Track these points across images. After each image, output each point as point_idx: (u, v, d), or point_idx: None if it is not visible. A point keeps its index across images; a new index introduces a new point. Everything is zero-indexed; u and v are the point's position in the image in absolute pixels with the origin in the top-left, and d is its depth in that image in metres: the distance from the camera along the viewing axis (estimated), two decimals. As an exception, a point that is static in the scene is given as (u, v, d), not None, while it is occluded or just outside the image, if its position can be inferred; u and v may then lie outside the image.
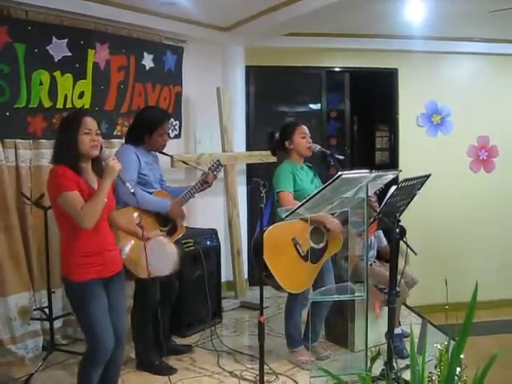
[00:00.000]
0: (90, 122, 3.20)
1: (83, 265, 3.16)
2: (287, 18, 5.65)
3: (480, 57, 7.45)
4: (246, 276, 6.60)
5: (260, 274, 3.71)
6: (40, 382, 4.19)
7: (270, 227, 4.12)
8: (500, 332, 6.49)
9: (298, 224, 4.15)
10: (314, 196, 3.14)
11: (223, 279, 5.93)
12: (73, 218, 3.09)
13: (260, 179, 3.47)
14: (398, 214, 3.59)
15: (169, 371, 4.28)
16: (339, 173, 3.02)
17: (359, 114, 8.44)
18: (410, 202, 3.73)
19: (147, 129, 4.26)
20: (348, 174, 3.08)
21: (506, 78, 7.57)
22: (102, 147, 3.30)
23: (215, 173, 4.51)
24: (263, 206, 3.29)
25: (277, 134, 4.60)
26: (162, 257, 3.60)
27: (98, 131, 3.24)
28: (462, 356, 2.62)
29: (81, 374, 3.27)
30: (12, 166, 4.62)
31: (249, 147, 6.82)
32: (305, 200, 3.19)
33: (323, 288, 4.08)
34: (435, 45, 7.09)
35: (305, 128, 4.51)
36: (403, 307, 5.30)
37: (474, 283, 2.51)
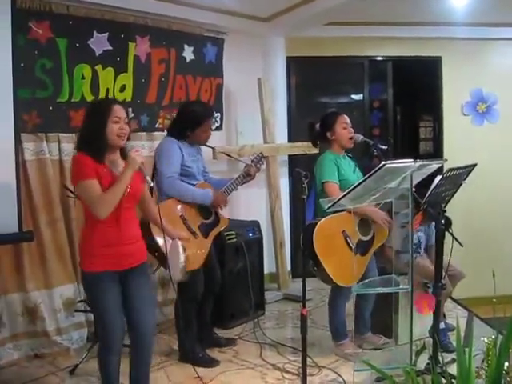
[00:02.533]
0: (119, 110, 3.15)
1: (96, 256, 3.13)
2: (327, 7, 5.60)
3: (525, 43, 7.25)
4: (288, 268, 6.57)
5: (303, 266, 3.66)
6: (85, 372, 4.23)
7: (321, 221, 4.08)
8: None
9: (346, 217, 4.10)
10: (357, 186, 3.08)
11: (266, 271, 5.91)
12: (88, 207, 3.08)
13: (302, 170, 3.42)
14: (443, 205, 3.51)
15: (212, 363, 4.30)
16: (383, 162, 2.96)
17: (402, 103, 8.30)
18: (455, 192, 3.64)
19: (190, 125, 4.24)
20: (392, 164, 3.02)
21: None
22: (129, 137, 3.24)
23: (258, 165, 4.49)
24: (305, 197, 3.24)
25: (317, 125, 4.54)
26: (174, 261, 3.49)
27: (127, 120, 3.19)
28: (510, 350, 2.56)
29: (99, 362, 3.31)
30: (55, 160, 4.67)
31: (291, 138, 6.77)
32: (348, 190, 3.14)
33: (367, 280, 4.03)
34: (479, 31, 6.92)
35: (346, 118, 4.44)
36: (449, 300, 5.20)
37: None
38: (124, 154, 3.24)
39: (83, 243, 3.22)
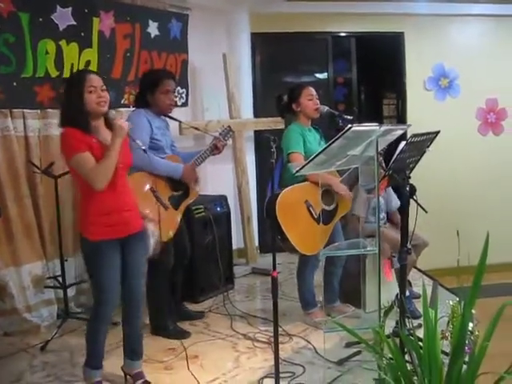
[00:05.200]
0: (94, 79, 3.17)
1: (97, 224, 3.18)
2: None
3: (487, 18, 7.39)
4: (256, 243, 6.62)
5: (273, 234, 3.70)
6: (55, 348, 4.24)
7: (284, 191, 4.14)
8: (511, 294, 6.49)
9: (309, 187, 4.20)
10: (323, 150, 3.13)
11: (234, 246, 5.96)
12: (85, 179, 3.10)
13: (270, 134, 3.45)
14: (408, 172, 3.57)
15: (183, 335, 4.33)
16: (349, 125, 3.01)
17: (366, 81, 8.37)
18: (419, 160, 3.70)
19: (149, 87, 4.25)
20: (358, 127, 3.07)
21: (513, 39, 7.47)
22: (110, 105, 3.27)
23: (226, 138, 4.50)
24: (273, 161, 3.28)
25: (285, 97, 4.59)
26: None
27: (104, 87, 3.20)
28: (473, 311, 2.64)
29: (88, 331, 3.38)
30: (21, 136, 4.62)
31: (256, 114, 6.81)
32: (314, 155, 3.19)
33: (335, 244, 4.11)
34: (441, 7, 7.04)
35: (312, 90, 4.50)
36: (414, 270, 5.31)
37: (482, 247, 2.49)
38: (108, 123, 3.26)
39: (83, 211, 3.26)
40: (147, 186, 4.07)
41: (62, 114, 3.22)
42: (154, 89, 4.25)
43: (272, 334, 3.48)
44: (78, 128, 3.11)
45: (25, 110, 4.62)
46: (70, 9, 4.70)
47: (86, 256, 3.32)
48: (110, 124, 3.26)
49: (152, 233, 3.57)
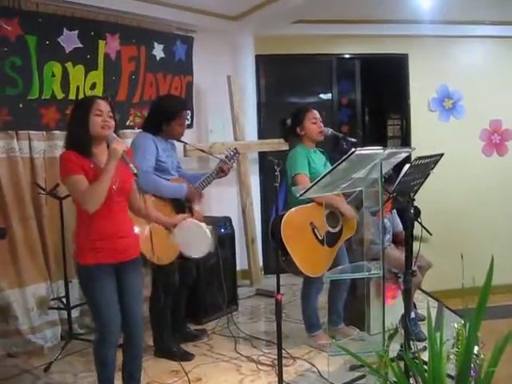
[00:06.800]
0: (102, 104, 3.16)
1: (91, 249, 3.14)
2: (295, 5, 5.69)
3: (491, 40, 7.42)
4: (261, 264, 6.62)
5: (277, 255, 3.71)
6: (59, 370, 4.22)
7: (289, 211, 4.14)
8: (517, 315, 6.46)
9: (314, 208, 4.19)
10: (328, 173, 3.14)
11: (238, 268, 5.95)
12: (78, 202, 3.11)
13: (274, 158, 3.46)
14: (412, 194, 3.58)
15: (187, 357, 4.31)
16: (353, 149, 3.02)
17: (370, 101, 8.40)
18: (423, 182, 3.71)
19: (165, 118, 4.25)
20: (362, 151, 3.08)
21: (517, 60, 7.51)
22: (115, 131, 3.23)
23: (232, 160, 4.51)
24: (277, 184, 3.29)
25: (288, 121, 4.60)
26: (197, 239, 3.52)
27: (111, 114, 3.19)
28: (478, 334, 2.62)
29: (95, 357, 3.31)
30: (26, 158, 4.66)
31: (260, 136, 6.83)
32: (319, 178, 3.19)
33: (339, 267, 4.11)
34: (445, 29, 7.05)
35: (315, 112, 4.51)
36: (419, 292, 5.29)
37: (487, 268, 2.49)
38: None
39: (78, 237, 3.23)
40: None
41: (67, 137, 3.22)
42: (171, 121, 4.26)
43: (276, 357, 3.47)
44: (77, 151, 3.10)
45: (30, 132, 4.66)
46: (76, 32, 4.77)
47: (80, 282, 3.30)
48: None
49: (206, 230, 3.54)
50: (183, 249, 3.59)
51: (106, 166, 3.08)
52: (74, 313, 4.78)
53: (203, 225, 3.51)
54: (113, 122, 3.19)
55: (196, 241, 3.51)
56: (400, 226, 4.97)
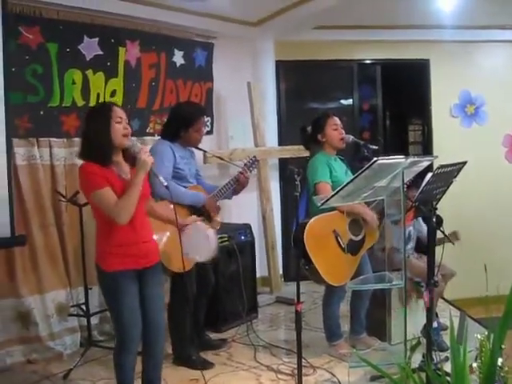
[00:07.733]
0: (119, 111, 3.14)
1: (115, 255, 3.13)
2: (315, 11, 5.67)
3: (513, 44, 7.33)
4: (280, 271, 6.58)
5: (298, 264, 3.68)
6: (78, 377, 4.22)
7: (312, 219, 4.09)
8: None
9: (337, 216, 4.14)
10: (349, 183, 3.10)
11: (258, 275, 5.91)
12: (107, 214, 3.06)
13: (294, 167, 3.43)
14: (434, 202, 3.53)
15: (206, 365, 4.28)
16: (374, 158, 2.98)
17: (391, 107, 8.35)
18: (446, 190, 3.66)
19: (184, 124, 4.25)
20: (383, 160, 3.05)
21: (540, 65, 7.41)
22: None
23: (251, 169, 4.49)
24: (298, 194, 3.26)
25: (309, 128, 4.57)
26: (200, 242, 3.56)
27: (127, 120, 3.17)
28: (503, 346, 2.57)
29: (115, 364, 3.30)
30: (47, 165, 4.67)
31: (281, 142, 6.80)
32: (340, 187, 3.16)
33: (361, 277, 4.06)
34: (467, 34, 7.00)
35: (336, 119, 4.46)
36: (441, 300, 5.22)
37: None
38: (126, 156, 3.20)
39: (100, 242, 3.20)
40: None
41: (83, 146, 3.15)
42: (188, 127, 4.26)
43: (296, 366, 3.43)
44: (97, 161, 3.06)
45: (51, 139, 4.68)
46: (96, 39, 4.79)
47: (103, 288, 3.29)
48: (128, 157, 3.20)
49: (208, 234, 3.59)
50: (187, 251, 3.53)
51: (134, 178, 3.07)
52: (94, 320, 4.78)
53: (206, 228, 3.55)
54: (130, 130, 3.18)
55: (199, 245, 3.53)
56: (425, 232, 4.90)
